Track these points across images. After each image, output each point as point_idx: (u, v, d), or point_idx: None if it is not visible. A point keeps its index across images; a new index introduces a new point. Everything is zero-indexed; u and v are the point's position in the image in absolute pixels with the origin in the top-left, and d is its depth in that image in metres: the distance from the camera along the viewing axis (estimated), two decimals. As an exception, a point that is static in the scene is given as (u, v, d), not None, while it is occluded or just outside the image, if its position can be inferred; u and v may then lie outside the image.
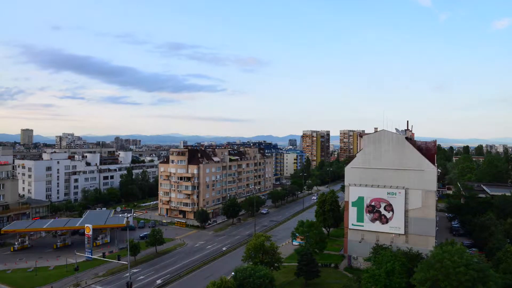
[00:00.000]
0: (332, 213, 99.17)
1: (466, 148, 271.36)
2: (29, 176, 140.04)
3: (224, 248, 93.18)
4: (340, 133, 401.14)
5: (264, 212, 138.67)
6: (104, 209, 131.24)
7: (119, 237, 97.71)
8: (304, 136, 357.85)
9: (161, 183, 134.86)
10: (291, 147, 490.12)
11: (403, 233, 72.55)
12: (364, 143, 78.33)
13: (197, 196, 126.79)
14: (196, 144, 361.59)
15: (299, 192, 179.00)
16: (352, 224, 77.48)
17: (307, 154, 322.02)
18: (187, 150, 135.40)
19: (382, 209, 74.47)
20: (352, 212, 77.52)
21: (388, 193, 74.01)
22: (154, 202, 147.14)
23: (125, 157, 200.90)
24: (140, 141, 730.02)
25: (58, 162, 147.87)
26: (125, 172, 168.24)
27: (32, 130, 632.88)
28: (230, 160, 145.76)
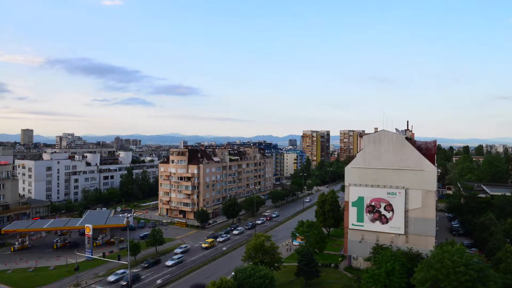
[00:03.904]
0: (332, 213, 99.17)
1: (466, 148, 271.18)
2: (29, 176, 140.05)
3: (224, 248, 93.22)
4: (340, 133, 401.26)
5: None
6: (104, 209, 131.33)
7: (119, 237, 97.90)
8: (304, 136, 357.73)
9: (161, 183, 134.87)
10: (291, 147, 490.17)
11: (403, 233, 72.55)
12: (364, 143, 78.34)
13: (197, 196, 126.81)
14: (196, 144, 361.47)
15: (299, 192, 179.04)
16: (352, 224, 77.48)
17: (307, 154, 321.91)
18: (187, 150, 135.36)
19: (382, 209, 74.48)
20: (352, 212, 77.52)
21: (388, 193, 74.01)
22: (154, 202, 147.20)
23: (125, 157, 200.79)
24: (140, 141, 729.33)
25: (58, 162, 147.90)
26: (125, 172, 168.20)
27: (32, 130, 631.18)
28: (230, 160, 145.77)
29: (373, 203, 75.39)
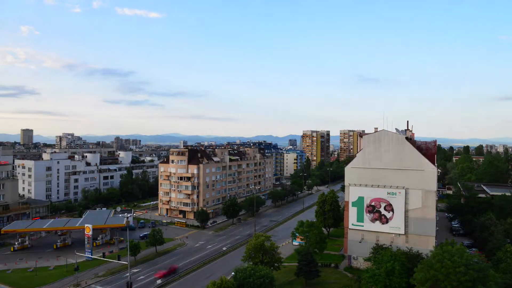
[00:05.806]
0: (332, 213, 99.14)
1: (466, 148, 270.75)
2: (29, 176, 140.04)
3: (224, 248, 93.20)
4: (340, 133, 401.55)
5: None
6: (104, 209, 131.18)
7: (119, 237, 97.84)
8: (304, 136, 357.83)
9: (161, 183, 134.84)
10: (291, 147, 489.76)
11: (403, 233, 72.50)
12: (364, 143, 78.28)
13: (197, 196, 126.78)
14: (196, 144, 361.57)
15: (299, 192, 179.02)
16: (352, 224, 77.43)
17: (307, 154, 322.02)
18: (187, 150, 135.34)
19: (382, 209, 74.43)
20: (352, 212, 77.46)
21: (388, 193, 73.96)
22: (154, 202, 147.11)
23: (125, 157, 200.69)
24: (140, 141, 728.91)
25: (58, 162, 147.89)
26: (125, 172, 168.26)
27: (32, 130, 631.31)
28: (230, 160, 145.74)
29: (373, 203, 75.35)
